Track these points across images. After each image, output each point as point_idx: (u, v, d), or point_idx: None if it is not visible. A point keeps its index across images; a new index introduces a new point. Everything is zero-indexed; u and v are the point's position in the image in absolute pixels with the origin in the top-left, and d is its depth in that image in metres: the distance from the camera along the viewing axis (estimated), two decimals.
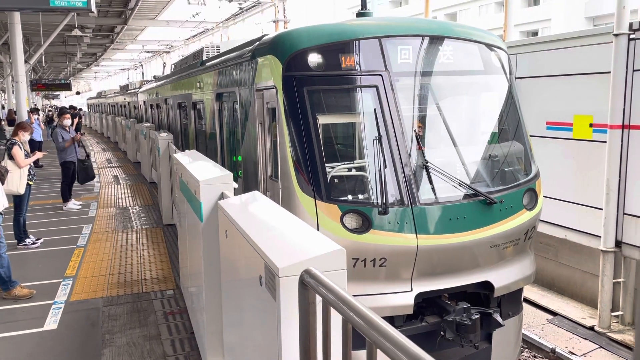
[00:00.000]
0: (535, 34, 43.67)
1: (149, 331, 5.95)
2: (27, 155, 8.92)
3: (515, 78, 6.59)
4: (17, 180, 8.55)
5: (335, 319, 1.91)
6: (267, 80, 5.69)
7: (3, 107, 32.68)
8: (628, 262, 7.83)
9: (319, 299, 2.03)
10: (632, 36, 7.33)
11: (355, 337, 1.90)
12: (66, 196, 12.61)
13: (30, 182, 9.03)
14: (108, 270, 8.08)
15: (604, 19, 40.64)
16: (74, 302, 6.83)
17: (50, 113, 36.52)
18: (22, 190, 8.69)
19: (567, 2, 44.97)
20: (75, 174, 12.54)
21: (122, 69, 57.78)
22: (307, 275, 2.05)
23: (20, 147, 8.76)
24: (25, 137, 9.24)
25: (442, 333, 5.05)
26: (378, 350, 1.54)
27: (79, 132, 13.03)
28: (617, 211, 7.63)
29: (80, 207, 12.68)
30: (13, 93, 21.71)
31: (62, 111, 13.46)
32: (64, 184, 12.59)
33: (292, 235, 2.87)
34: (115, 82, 62.14)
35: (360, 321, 1.64)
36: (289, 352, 2.34)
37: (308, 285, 2.04)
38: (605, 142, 7.67)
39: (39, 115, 23.77)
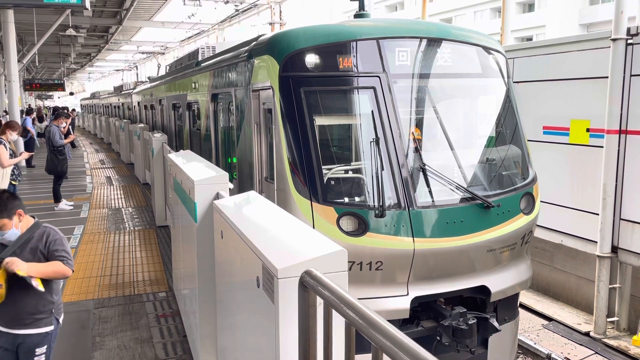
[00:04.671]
0: (529, 40, 43.87)
1: (140, 334, 5.86)
2: (12, 155, 8.87)
3: (513, 82, 6.56)
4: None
5: (338, 322, 1.85)
6: (264, 81, 5.63)
7: None
8: (624, 268, 7.81)
9: (319, 301, 1.96)
10: (629, 41, 7.33)
11: (357, 341, 1.83)
12: (58, 196, 12.49)
13: (14, 182, 8.95)
14: (99, 271, 7.98)
15: (598, 26, 40.87)
16: (64, 304, 6.69)
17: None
18: None
19: (562, 9, 45.24)
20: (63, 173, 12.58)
21: (116, 70, 57.63)
22: (308, 276, 1.98)
23: (6, 147, 8.70)
24: (12, 136, 9.18)
25: (438, 338, 4.99)
26: (384, 354, 1.48)
27: (71, 135, 13.00)
28: (614, 216, 7.61)
29: (72, 207, 12.56)
30: (5, 92, 21.55)
31: (57, 115, 13.37)
32: (56, 184, 12.49)
33: (291, 236, 2.81)
34: (109, 83, 61.91)
35: (365, 324, 1.57)
36: (287, 356, 2.26)
37: (309, 287, 1.97)
38: (602, 147, 7.65)
39: (33, 115, 23.61)
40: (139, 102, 20.49)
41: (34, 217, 3.98)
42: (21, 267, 3.55)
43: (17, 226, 3.77)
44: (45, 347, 3.92)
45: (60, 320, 4.07)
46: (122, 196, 14.45)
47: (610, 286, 7.77)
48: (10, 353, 3.89)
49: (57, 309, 3.99)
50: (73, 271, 3.90)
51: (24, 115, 20.56)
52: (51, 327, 3.92)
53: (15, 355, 3.89)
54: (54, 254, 3.78)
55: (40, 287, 3.64)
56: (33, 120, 22.41)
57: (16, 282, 3.62)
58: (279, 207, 5.12)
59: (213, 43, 14.79)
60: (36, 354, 3.87)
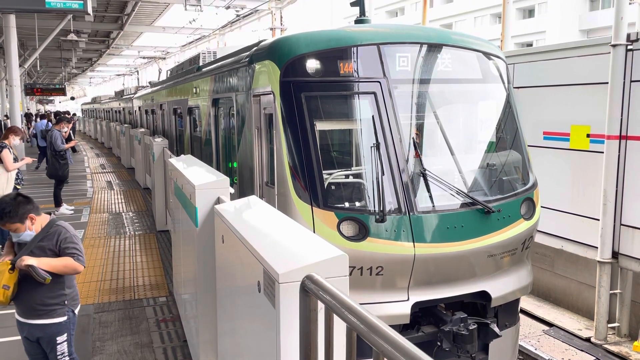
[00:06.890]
0: (530, 45, 43.95)
1: (140, 339, 5.86)
2: (15, 160, 8.94)
3: (513, 87, 6.57)
4: (4, 183, 8.56)
5: (339, 326, 1.85)
6: (265, 86, 5.64)
7: None
8: (625, 274, 7.79)
9: (320, 305, 1.96)
10: (629, 47, 7.33)
11: (358, 345, 1.83)
12: (58, 201, 12.51)
13: (18, 187, 9.00)
14: (100, 276, 7.97)
15: (598, 32, 40.98)
16: None
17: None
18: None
19: (562, 15, 45.34)
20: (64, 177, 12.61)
21: (117, 75, 57.73)
22: (309, 281, 1.98)
23: (10, 151, 8.78)
24: (15, 141, 9.26)
25: (438, 343, 4.98)
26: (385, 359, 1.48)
27: (73, 140, 13.07)
28: (614, 222, 7.60)
29: (72, 212, 12.57)
30: (7, 97, 21.59)
31: (59, 119, 13.44)
32: (57, 188, 12.51)
33: (292, 241, 2.81)
34: (110, 88, 62.00)
35: (366, 329, 1.57)
36: None
37: (310, 291, 1.97)
38: (602, 152, 7.65)
39: (38, 120, 23.67)
40: (139, 107, 20.52)
41: (50, 214, 4.24)
42: (29, 260, 3.84)
43: (30, 228, 4.02)
44: (65, 334, 4.19)
45: (76, 311, 4.30)
46: (123, 201, 14.45)
47: (611, 292, 7.75)
48: (33, 344, 4.21)
49: (71, 301, 4.22)
50: (85, 267, 4.18)
51: (39, 120, 20.59)
52: (64, 318, 4.16)
53: (37, 345, 4.19)
54: (65, 250, 4.04)
55: (46, 281, 3.89)
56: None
57: (29, 277, 3.91)
58: (280, 211, 5.15)
59: (214, 48, 14.82)
60: (58, 342, 4.15)
